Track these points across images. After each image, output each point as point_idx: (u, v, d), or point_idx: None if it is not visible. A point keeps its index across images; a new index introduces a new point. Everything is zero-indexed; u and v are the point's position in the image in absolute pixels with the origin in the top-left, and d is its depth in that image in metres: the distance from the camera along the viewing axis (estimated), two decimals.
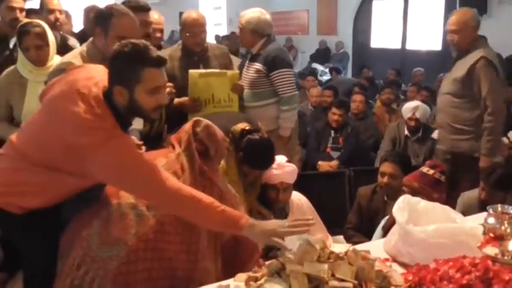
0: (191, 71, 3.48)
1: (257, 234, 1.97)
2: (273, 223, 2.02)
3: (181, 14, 12.26)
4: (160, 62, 1.93)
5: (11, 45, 3.61)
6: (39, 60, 2.97)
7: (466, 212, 3.11)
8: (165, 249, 2.03)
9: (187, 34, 3.57)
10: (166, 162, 2.15)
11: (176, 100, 3.45)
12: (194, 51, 3.62)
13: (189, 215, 1.98)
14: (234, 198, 2.29)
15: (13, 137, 2.07)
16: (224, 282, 1.89)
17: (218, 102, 3.56)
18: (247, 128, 2.76)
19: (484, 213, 2.32)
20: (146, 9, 3.29)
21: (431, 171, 3.00)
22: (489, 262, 1.78)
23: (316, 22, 12.92)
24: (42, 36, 2.95)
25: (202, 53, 3.66)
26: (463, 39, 3.67)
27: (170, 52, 3.63)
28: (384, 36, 11.64)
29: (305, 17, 13.28)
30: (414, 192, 2.83)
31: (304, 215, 2.99)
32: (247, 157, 2.69)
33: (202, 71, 3.54)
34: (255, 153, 2.70)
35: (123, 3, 3.25)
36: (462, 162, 3.68)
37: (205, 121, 2.30)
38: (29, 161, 1.97)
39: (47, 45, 2.98)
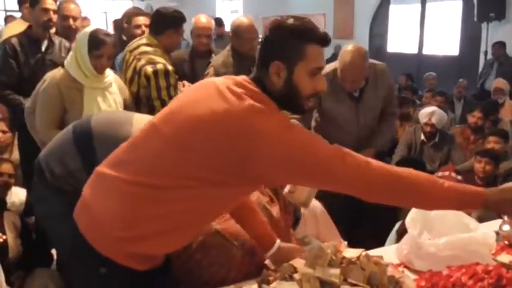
0: None
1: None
2: None
3: None
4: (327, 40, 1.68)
5: (43, 48, 3.67)
6: (104, 69, 2.99)
7: (483, 218, 3.09)
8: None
9: (245, 38, 3.63)
10: (259, 193, 2.17)
11: None
12: (245, 56, 3.65)
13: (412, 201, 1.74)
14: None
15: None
16: (238, 284, 1.90)
17: None
18: None
19: (499, 220, 2.31)
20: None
21: (462, 180, 2.97)
22: (503, 269, 1.78)
23: (333, 26, 12.90)
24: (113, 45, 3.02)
25: (253, 57, 3.64)
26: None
27: (223, 59, 3.69)
28: (400, 40, 11.59)
29: (321, 20, 13.25)
30: None
31: (317, 221, 3.01)
32: None
33: None
34: None
35: (157, 10, 3.50)
36: None
37: None
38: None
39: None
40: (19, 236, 2.98)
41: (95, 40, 2.90)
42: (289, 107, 1.72)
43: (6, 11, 15.00)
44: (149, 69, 3.26)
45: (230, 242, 1.97)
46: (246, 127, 1.53)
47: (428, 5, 10.68)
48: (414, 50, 11.08)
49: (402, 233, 2.44)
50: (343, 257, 1.80)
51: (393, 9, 11.62)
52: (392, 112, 3.62)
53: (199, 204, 1.64)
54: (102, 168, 1.74)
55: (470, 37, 9.56)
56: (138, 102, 3.35)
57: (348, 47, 3.30)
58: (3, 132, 4.07)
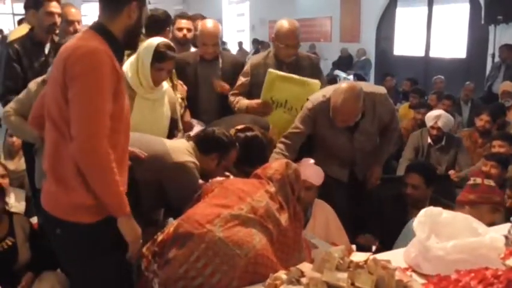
0: (271, 70, 3.42)
1: (129, 228, 1.98)
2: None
3: None
4: None
5: (46, 51, 3.64)
6: (161, 82, 2.96)
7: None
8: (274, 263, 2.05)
9: (281, 45, 3.50)
10: (269, 199, 2.16)
11: (245, 102, 3.47)
12: (281, 61, 3.55)
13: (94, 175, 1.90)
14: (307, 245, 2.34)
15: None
16: None
17: (289, 109, 3.46)
18: (239, 127, 2.88)
19: (508, 224, 2.29)
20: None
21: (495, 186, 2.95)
22: None
23: (339, 29, 12.90)
24: None
25: (293, 62, 3.58)
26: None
27: (261, 58, 3.63)
28: (407, 43, 11.57)
29: (328, 24, 13.27)
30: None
31: (327, 224, 3.00)
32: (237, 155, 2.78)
33: (283, 73, 3.44)
34: (241, 150, 2.79)
35: (151, 14, 3.46)
36: None
37: (294, 165, 2.36)
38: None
39: None
40: (28, 239, 2.99)
41: (161, 53, 2.87)
42: (132, 44, 2.11)
43: (14, 14, 15.11)
44: None
45: (233, 251, 1.95)
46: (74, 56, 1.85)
47: (435, 7, 10.65)
48: (421, 53, 11.05)
49: None
50: (351, 261, 1.79)
51: (400, 12, 11.60)
52: (393, 128, 3.46)
53: None
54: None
55: (478, 40, 9.53)
56: None
57: (342, 85, 3.10)
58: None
